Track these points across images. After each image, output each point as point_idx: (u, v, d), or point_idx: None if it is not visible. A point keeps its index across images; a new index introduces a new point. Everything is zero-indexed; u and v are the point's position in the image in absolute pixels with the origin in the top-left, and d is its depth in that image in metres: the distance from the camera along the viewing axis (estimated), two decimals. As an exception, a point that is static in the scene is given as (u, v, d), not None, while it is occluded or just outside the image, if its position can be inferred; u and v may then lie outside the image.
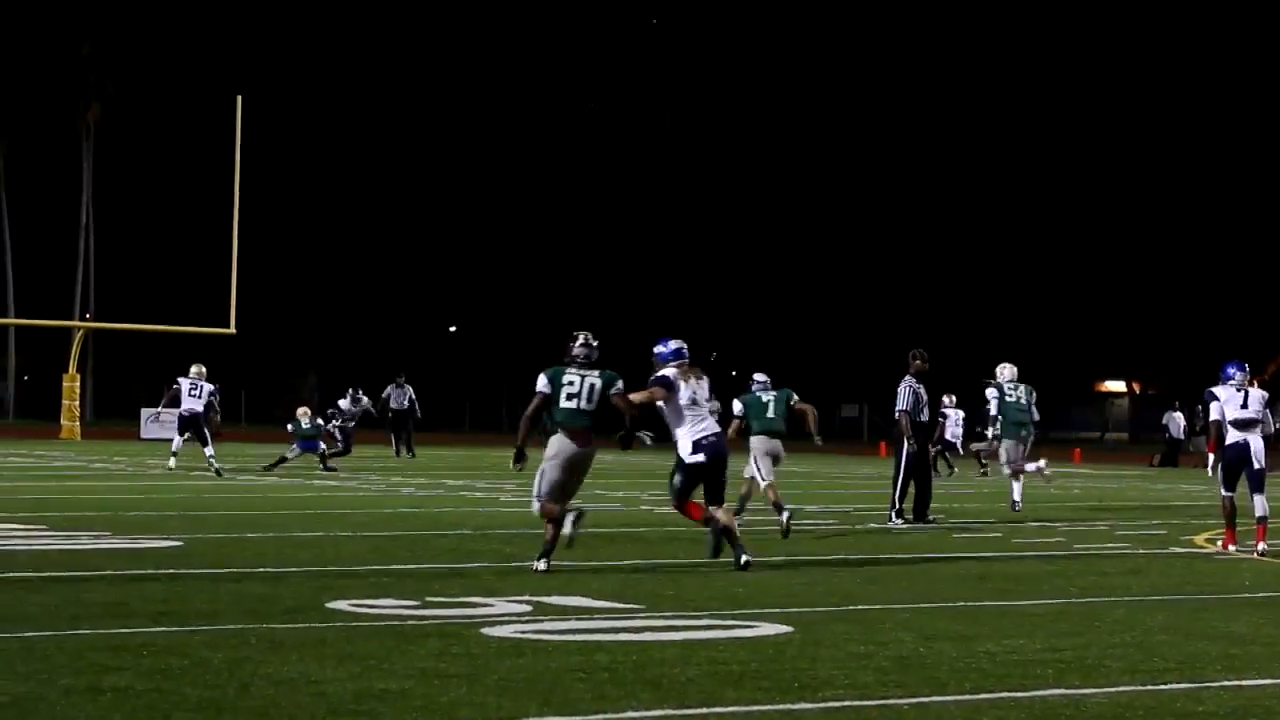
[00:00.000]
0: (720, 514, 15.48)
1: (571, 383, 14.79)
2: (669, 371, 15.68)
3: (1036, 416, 25.72)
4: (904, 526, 21.68)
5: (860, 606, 12.73)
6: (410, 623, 11.33)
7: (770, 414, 21.18)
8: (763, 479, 20.87)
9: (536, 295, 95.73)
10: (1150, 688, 9.27)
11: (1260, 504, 18.35)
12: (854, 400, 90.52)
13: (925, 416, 22.83)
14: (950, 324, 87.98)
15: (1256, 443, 18.45)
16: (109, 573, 14.10)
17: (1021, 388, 25.34)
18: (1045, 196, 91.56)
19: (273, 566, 14.96)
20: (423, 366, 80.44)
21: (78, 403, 61.46)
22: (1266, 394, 19.11)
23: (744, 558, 15.20)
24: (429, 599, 12.54)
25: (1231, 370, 18.72)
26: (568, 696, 8.63)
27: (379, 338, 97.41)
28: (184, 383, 32.75)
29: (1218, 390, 18.66)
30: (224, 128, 60.86)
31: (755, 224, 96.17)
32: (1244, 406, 18.51)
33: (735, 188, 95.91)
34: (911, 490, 22.48)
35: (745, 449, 21.04)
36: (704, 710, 8.38)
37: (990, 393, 25.39)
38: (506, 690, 8.78)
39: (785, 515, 19.33)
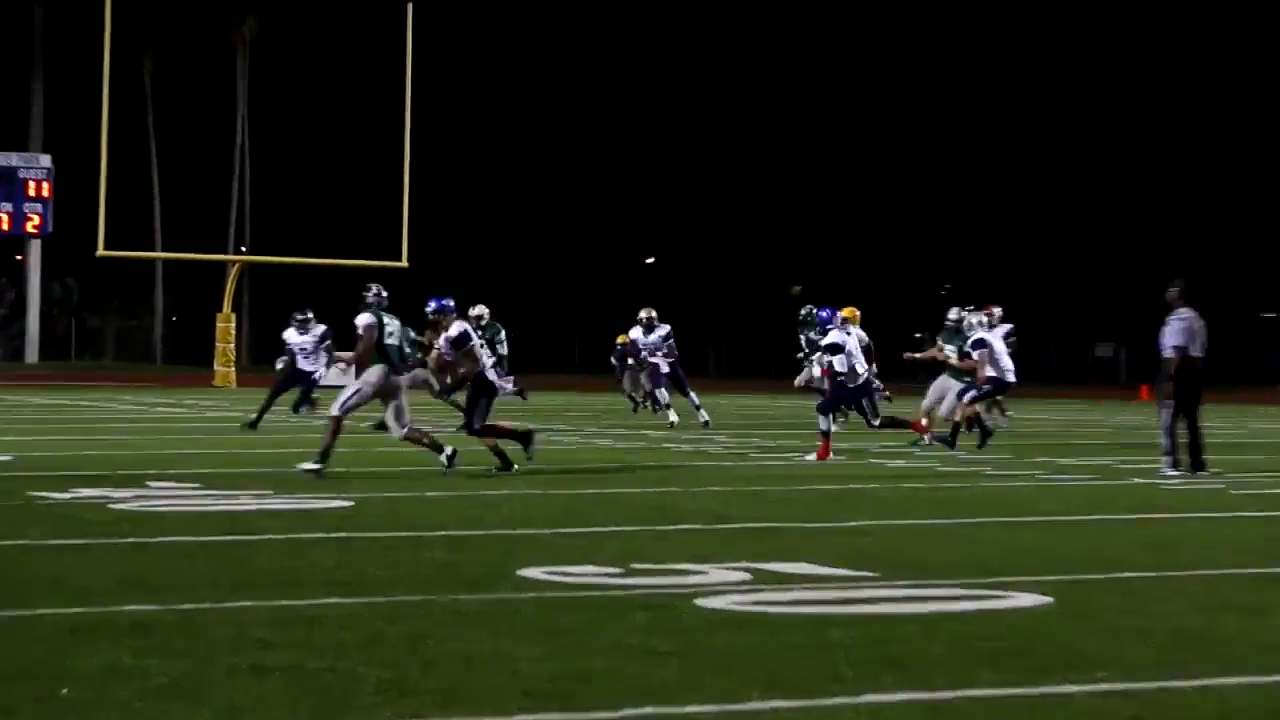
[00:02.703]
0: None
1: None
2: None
3: (503, 350, 32.49)
4: (1177, 478, 21.24)
5: (1130, 574, 12.51)
6: (613, 593, 11.28)
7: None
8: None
9: (739, 222, 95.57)
10: None
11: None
12: (1109, 338, 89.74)
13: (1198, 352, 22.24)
14: (1208, 252, 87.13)
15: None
16: (273, 536, 14.22)
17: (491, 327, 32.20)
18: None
19: (455, 529, 15.01)
20: (617, 301, 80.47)
21: (233, 346, 62.44)
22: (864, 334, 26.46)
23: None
24: (634, 566, 12.48)
25: (825, 315, 25.42)
26: (797, 677, 8.51)
27: (564, 270, 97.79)
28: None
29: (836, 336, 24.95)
30: (393, 40, 61.37)
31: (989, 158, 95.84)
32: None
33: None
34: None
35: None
36: (954, 693, 8.23)
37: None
38: (727, 670, 8.67)
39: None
